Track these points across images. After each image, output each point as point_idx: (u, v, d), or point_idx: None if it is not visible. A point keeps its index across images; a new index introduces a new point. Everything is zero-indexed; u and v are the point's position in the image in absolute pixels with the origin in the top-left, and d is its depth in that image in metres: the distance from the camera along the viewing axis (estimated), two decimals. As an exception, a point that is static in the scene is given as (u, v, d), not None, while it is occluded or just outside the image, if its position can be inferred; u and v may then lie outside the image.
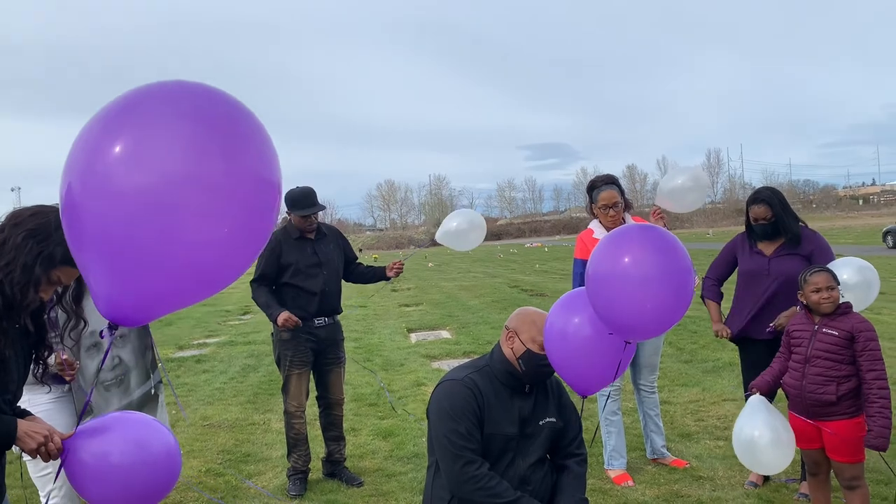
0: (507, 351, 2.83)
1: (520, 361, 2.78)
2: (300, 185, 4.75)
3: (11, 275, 1.99)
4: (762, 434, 3.24)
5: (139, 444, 2.16)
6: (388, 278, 4.91)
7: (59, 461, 2.11)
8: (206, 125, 1.75)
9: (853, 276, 3.68)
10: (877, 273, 3.81)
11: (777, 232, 4.24)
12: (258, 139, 1.83)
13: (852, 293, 3.55)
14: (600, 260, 2.57)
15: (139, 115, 1.75)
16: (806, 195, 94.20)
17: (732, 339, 4.47)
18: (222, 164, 1.74)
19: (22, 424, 2.05)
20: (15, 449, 2.43)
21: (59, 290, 2.18)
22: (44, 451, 2.05)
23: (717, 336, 4.48)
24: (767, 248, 4.29)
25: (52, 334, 2.28)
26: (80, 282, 2.20)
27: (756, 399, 3.45)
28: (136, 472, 2.11)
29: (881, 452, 3.36)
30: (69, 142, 1.82)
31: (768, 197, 4.26)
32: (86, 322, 2.30)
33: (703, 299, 4.53)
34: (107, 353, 2.27)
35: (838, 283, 3.44)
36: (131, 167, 1.70)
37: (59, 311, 2.24)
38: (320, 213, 4.83)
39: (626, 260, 2.48)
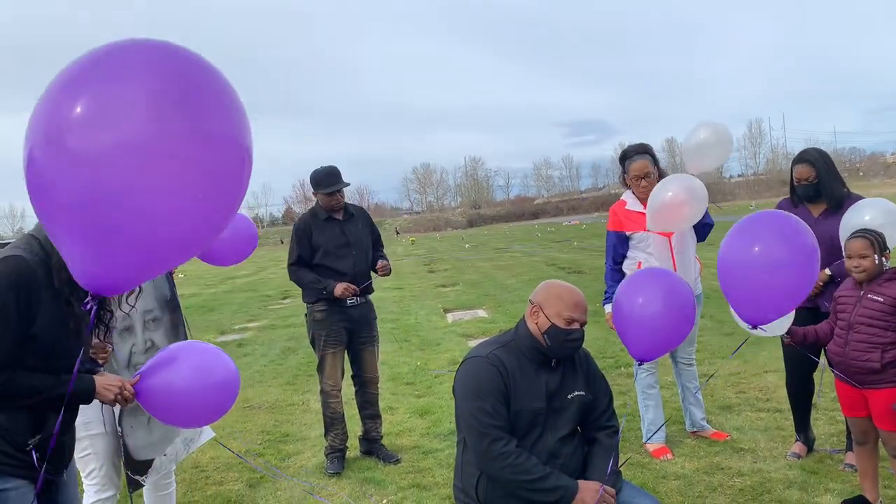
0: (531, 326, 2.77)
1: (545, 336, 2.72)
2: (324, 165, 4.76)
3: None
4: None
5: (202, 370, 2.45)
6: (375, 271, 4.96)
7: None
8: (166, 82, 1.70)
9: (877, 217, 3.55)
10: None
11: (819, 194, 4.09)
12: (225, 99, 1.79)
13: None
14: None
15: (98, 74, 1.71)
16: (852, 163, 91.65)
17: None
18: (186, 125, 1.69)
19: (98, 380, 2.32)
20: None
21: None
22: (121, 399, 2.35)
23: (815, 287, 3.92)
24: (814, 210, 4.15)
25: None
26: None
27: None
28: (201, 394, 2.41)
29: None
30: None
31: (813, 158, 4.10)
32: (140, 288, 2.59)
33: None
34: (92, 321, 2.25)
35: (882, 249, 3.30)
36: (91, 130, 1.66)
37: None
38: (347, 194, 4.84)
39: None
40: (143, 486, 3.23)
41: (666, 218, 4.18)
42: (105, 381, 2.33)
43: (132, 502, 3.10)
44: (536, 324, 2.75)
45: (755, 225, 3.03)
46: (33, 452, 2.16)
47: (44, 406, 2.18)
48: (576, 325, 2.73)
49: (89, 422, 2.95)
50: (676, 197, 4.11)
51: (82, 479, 3.15)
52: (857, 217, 3.65)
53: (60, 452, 2.31)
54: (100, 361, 2.91)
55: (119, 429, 3.08)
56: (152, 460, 3.19)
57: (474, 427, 2.62)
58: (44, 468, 2.18)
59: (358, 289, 4.67)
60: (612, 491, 2.61)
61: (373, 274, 4.92)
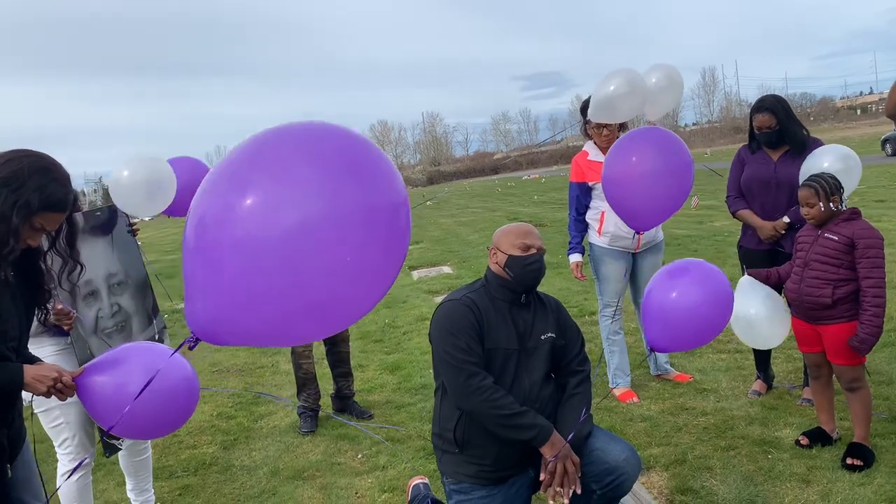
0: (494, 267, 2.89)
1: (507, 269, 2.83)
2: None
3: None
4: (758, 310, 3.38)
5: (154, 371, 2.07)
6: None
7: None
8: (332, 167, 1.72)
9: (835, 163, 3.64)
10: (858, 160, 3.75)
11: (782, 140, 4.16)
12: (381, 166, 1.81)
13: None
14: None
15: (265, 165, 1.73)
16: (803, 108, 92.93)
17: (739, 250, 4.46)
18: (354, 200, 1.71)
19: (28, 370, 2.06)
20: (27, 400, 2.47)
21: (53, 234, 2.17)
22: (55, 392, 2.08)
23: (774, 234, 4.16)
24: (773, 155, 4.23)
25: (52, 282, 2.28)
26: (71, 224, 2.21)
27: (745, 280, 3.60)
28: (155, 399, 2.06)
29: (865, 363, 3.44)
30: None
31: (772, 105, 4.17)
32: (82, 266, 2.31)
33: (734, 215, 4.44)
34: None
35: (829, 194, 3.38)
36: (268, 218, 1.67)
37: (55, 255, 2.24)
38: None
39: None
40: (119, 449, 3.22)
41: (608, 109, 4.29)
42: (37, 371, 2.08)
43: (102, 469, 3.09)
44: (497, 262, 2.88)
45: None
46: None
47: None
48: (533, 251, 2.84)
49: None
50: (619, 89, 4.29)
51: (55, 449, 3.14)
52: (816, 163, 3.72)
53: None
54: (65, 328, 2.87)
55: (90, 396, 3.06)
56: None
57: (450, 364, 2.68)
58: None
59: None
60: (577, 459, 2.66)
61: None
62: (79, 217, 2.64)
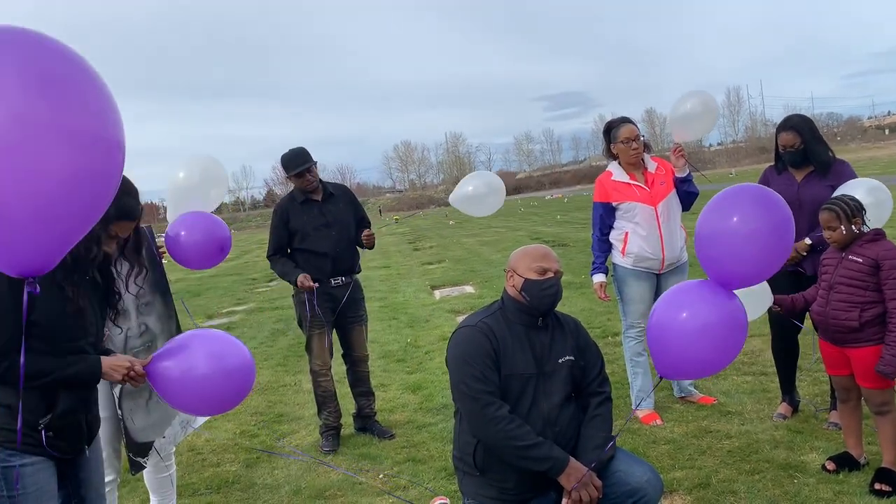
0: (510, 290, 2.89)
1: (523, 293, 2.83)
2: (291, 148, 4.75)
3: None
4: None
5: (217, 356, 2.43)
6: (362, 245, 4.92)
7: None
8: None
9: (864, 196, 3.60)
10: (889, 192, 3.73)
11: (806, 160, 4.15)
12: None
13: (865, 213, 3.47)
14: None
15: None
16: (830, 129, 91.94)
17: None
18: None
19: (105, 361, 2.33)
20: None
21: (121, 242, 2.43)
22: (129, 379, 2.36)
23: (796, 255, 4.05)
24: (798, 175, 4.21)
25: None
26: (137, 233, 2.48)
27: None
28: (216, 380, 2.40)
29: (895, 386, 3.34)
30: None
31: (797, 124, 4.16)
32: (147, 269, 2.61)
33: None
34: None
35: (850, 216, 3.35)
36: None
37: (123, 261, 2.52)
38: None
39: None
40: (144, 467, 3.26)
41: (470, 207, 4.80)
42: (113, 361, 2.34)
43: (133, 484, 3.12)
44: (514, 286, 2.88)
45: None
46: (44, 432, 2.21)
47: (54, 387, 2.23)
48: (549, 275, 2.83)
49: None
50: (477, 190, 4.68)
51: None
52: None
53: (77, 431, 2.35)
54: None
55: (119, 412, 3.11)
56: (152, 442, 3.23)
57: (466, 393, 2.68)
58: (57, 447, 2.26)
59: (314, 285, 4.63)
60: (599, 483, 2.64)
61: (360, 250, 4.93)
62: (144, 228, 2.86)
